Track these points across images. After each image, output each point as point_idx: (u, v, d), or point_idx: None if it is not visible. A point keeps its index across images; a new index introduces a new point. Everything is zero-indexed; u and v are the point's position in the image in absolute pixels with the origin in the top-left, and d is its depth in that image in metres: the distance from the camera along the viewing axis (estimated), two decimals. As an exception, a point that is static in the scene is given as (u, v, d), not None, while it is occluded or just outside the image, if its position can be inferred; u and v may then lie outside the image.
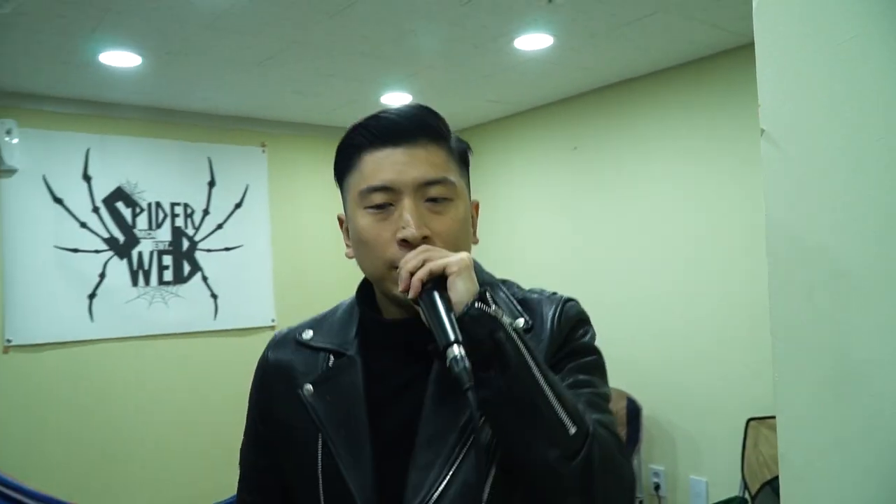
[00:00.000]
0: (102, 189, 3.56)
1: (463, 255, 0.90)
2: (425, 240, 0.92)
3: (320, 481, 0.97)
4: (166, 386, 3.70)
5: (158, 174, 3.73)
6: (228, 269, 3.92)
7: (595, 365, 1.01)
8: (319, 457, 0.97)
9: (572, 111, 3.84)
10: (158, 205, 3.73)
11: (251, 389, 1.11)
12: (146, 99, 3.56)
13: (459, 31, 2.76)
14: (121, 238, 3.60)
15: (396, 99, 3.68)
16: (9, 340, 3.28)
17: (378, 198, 0.94)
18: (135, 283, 3.62)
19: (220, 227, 3.92)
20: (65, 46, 2.79)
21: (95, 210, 3.54)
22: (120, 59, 2.91)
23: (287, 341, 1.08)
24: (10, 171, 3.31)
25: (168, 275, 3.73)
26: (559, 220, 3.94)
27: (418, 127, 0.96)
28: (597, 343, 1.04)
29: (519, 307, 1.01)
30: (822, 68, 0.87)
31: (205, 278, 3.84)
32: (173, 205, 3.77)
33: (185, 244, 3.80)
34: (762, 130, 0.90)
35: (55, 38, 2.69)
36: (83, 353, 3.48)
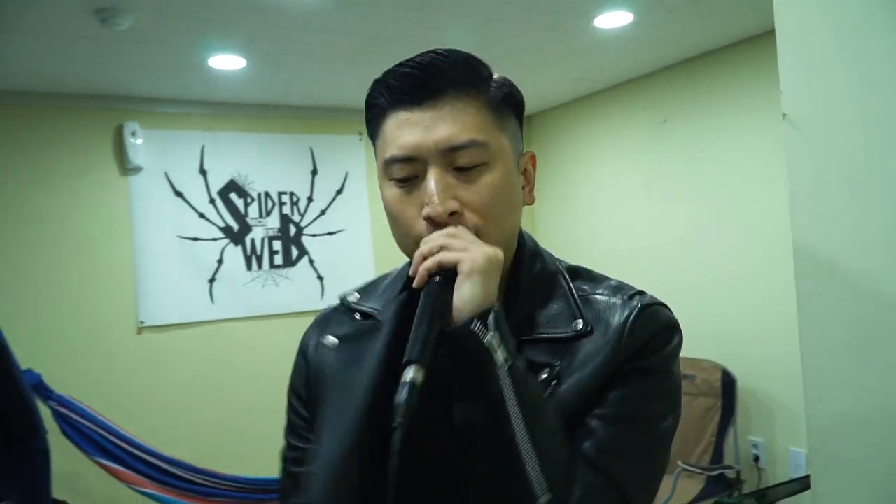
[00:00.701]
0: (217, 181, 3.89)
1: (488, 250, 0.77)
2: (453, 216, 0.80)
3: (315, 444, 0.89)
4: (278, 361, 3.99)
5: (266, 166, 4.03)
6: (332, 252, 4.18)
7: (660, 391, 0.83)
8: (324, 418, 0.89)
9: (659, 84, 3.81)
10: (267, 194, 4.03)
11: (291, 375, 1.02)
12: (251, 97, 3.85)
13: (535, 14, 2.83)
14: (235, 226, 3.93)
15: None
16: (142, 322, 3.68)
17: (400, 170, 0.82)
18: (249, 267, 3.95)
19: (323, 212, 4.18)
20: (178, 54, 3.08)
21: (212, 201, 3.88)
22: (227, 62, 3.18)
23: (334, 311, 1.01)
24: (137, 169, 3.69)
25: (278, 259, 4.03)
26: (646, 195, 3.94)
27: (442, 78, 0.81)
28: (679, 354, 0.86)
29: (580, 306, 0.85)
30: (841, 53, 0.91)
31: (311, 261, 4.12)
32: (280, 193, 4.07)
33: (293, 230, 4.09)
34: (784, 115, 0.96)
35: (169, 48, 2.99)
36: (205, 332, 3.84)
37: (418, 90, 0.81)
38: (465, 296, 0.74)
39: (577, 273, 0.90)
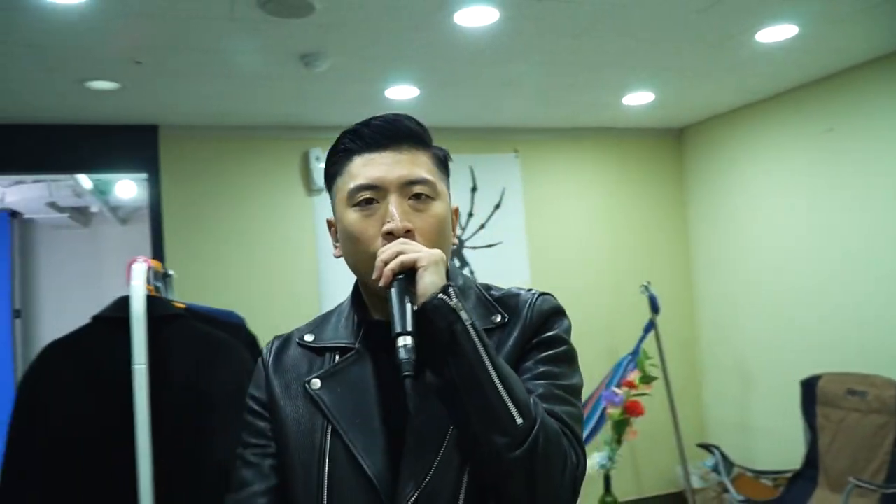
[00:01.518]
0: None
1: (435, 251, 0.97)
2: (408, 234, 1.00)
3: (326, 468, 0.99)
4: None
5: (430, 184, 4.34)
6: (491, 263, 4.43)
7: (563, 356, 1.05)
8: (327, 446, 1.00)
9: (822, 93, 3.74)
10: (432, 210, 4.34)
11: (250, 389, 1.13)
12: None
13: (695, 34, 2.92)
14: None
15: (638, 99, 3.91)
16: (324, 326, 4.08)
17: (365, 195, 1.02)
18: (415, 278, 4.27)
19: (482, 226, 4.44)
20: (360, 88, 3.45)
21: (383, 218, 4.24)
22: (402, 92, 3.52)
23: (288, 343, 1.13)
24: (320, 190, 4.12)
25: (442, 270, 4.33)
26: (810, 206, 3.86)
27: (404, 133, 1.05)
28: (570, 335, 1.09)
29: (497, 305, 1.08)
30: None
31: (471, 272, 4.39)
32: (444, 210, 4.37)
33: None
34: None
35: (354, 83, 3.36)
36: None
37: (385, 138, 1.04)
38: (427, 282, 0.94)
39: (488, 286, 1.14)
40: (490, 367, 0.91)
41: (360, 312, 1.10)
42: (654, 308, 3.98)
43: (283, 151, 4.10)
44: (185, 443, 1.61)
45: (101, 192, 6.82)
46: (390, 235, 0.99)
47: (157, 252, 3.87)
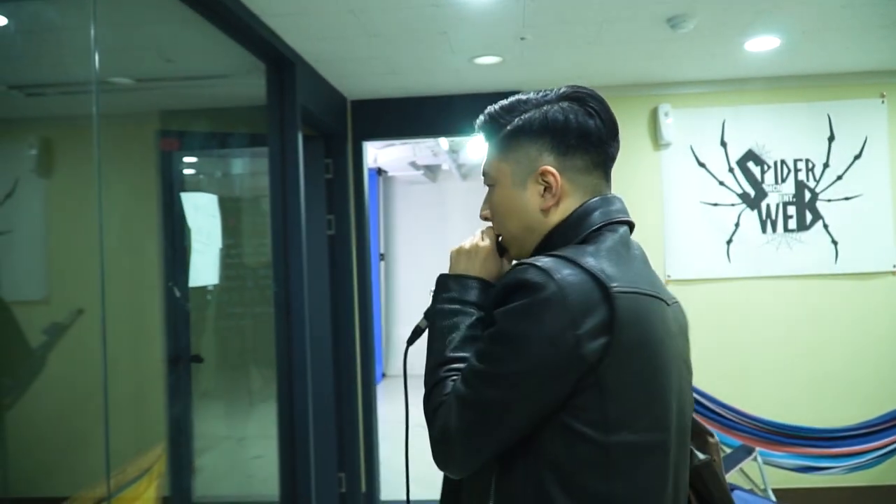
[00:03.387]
0: (735, 152, 4.27)
1: (461, 244, 1.24)
2: (485, 218, 1.25)
3: None
4: (790, 320, 4.25)
5: (782, 135, 4.25)
6: (848, 218, 4.21)
7: (495, 336, 1.04)
8: None
9: None
10: (783, 162, 4.26)
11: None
12: (772, 70, 4.10)
13: None
14: (751, 192, 4.26)
15: None
16: (668, 276, 4.30)
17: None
18: (763, 230, 4.25)
19: (839, 178, 4.23)
20: (717, 43, 3.53)
21: (731, 170, 4.28)
22: (762, 44, 3.52)
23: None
24: (667, 145, 4.29)
25: (792, 223, 4.24)
26: None
27: (482, 129, 1.22)
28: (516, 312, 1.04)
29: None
30: None
31: (825, 226, 4.23)
32: (796, 161, 4.25)
33: (807, 195, 4.25)
34: None
35: (713, 39, 3.45)
36: (722, 289, 4.29)
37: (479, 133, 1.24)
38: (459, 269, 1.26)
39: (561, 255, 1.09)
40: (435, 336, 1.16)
41: None
42: None
43: (630, 108, 4.33)
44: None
45: (453, 151, 7.76)
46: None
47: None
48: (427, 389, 1.12)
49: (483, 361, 1.04)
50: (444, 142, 6.76)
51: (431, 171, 9.21)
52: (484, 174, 1.21)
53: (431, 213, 9.41)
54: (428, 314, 1.21)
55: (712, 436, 1.27)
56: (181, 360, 3.42)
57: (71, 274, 2.89)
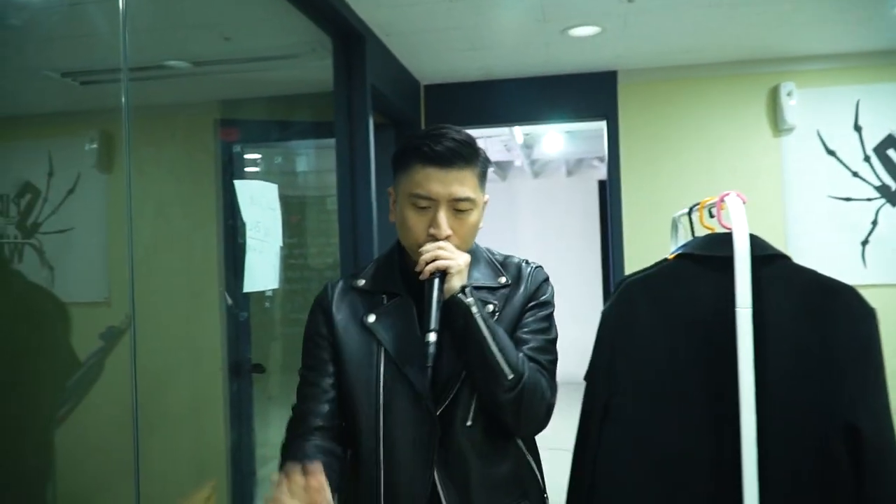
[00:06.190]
0: (873, 138, 3.65)
1: (461, 261, 1.34)
2: (447, 238, 1.36)
3: (381, 381, 1.37)
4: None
5: (930, 117, 3.61)
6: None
7: (549, 316, 1.46)
8: (381, 364, 1.38)
9: None
10: (931, 148, 3.62)
11: (311, 322, 1.47)
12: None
13: None
14: (892, 185, 3.64)
15: None
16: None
17: (422, 203, 1.37)
18: (906, 229, 3.62)
19: None
20: (851, 8, 2.95)
21: (866, 159, 3.66)
22: (921, 4, 2.92)
23: (344, 287, 1.48)
24: (789, 129, 3.70)
25: (943, 221, 3.60)
26: None
27: (460, 157, 1.36)
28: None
29: (501, 269, 1.48)
30: None
31: None
32: (948, 147, 3.60)
33: (962, 188, 3.59)
34: None
35: (844, 2, 2.87)
36: (854, 296, 3.66)
37: (445, 161, 1.35)
38: (454, 284, 1.32)
39: (491, 251, 1.53)
40: (492, 345, 1.31)
41: (402, 263, 1.46)
42: None
43: (745, 88, 3.77)
44: (796, 398, 1.48)
45: (526, 146, 7.27)
46: (433, 238, 1.36)
47: (614, 197, 3.89)
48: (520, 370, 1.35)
49: (550, 332, 1.46)
50: (518, 135, 6.29)
51: (502, 168, 8.75)
52: (465, 199, 1.37)
53: (500, 214, 8.92)
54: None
55: None
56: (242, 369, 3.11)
57: (126, 275, 2.71)
